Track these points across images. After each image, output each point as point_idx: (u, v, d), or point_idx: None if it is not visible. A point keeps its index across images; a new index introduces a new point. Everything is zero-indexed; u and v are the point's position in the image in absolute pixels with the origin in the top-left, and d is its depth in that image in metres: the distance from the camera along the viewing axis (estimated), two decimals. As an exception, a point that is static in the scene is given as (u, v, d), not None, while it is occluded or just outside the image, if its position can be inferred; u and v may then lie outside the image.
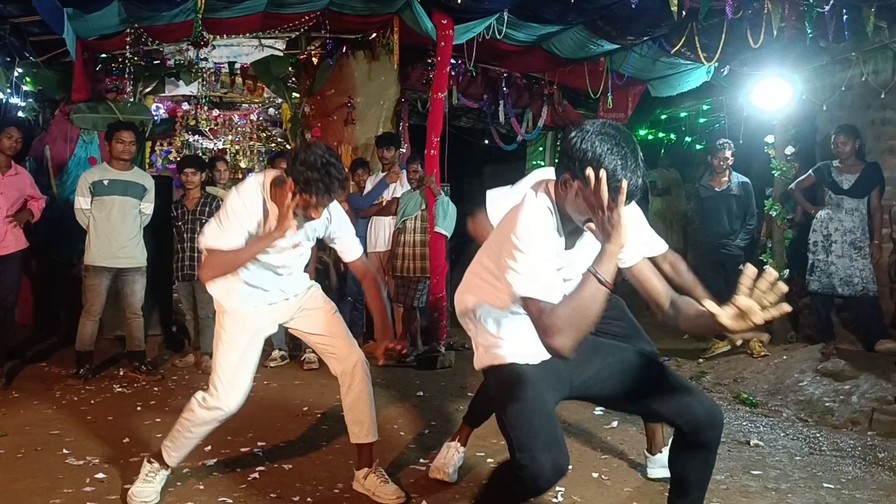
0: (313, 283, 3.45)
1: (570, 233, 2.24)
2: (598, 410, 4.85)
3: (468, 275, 2.52)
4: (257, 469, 3.64)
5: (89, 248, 5.53)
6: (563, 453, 2.18)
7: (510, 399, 2.28)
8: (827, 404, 4.80)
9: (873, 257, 5.85)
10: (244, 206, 2.99)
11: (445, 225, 6.26)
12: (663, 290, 2.36)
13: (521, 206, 2.19)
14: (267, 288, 3.22)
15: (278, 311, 3.30)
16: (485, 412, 3.53)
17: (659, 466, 3.53)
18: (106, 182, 5.52)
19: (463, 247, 9.35)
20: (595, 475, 3.64)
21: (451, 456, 3.54)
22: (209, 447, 3.89)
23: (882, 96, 5.89)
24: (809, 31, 5.28)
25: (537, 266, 2.08)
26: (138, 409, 4.77)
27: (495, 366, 2.41)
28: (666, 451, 3.49)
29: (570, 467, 2.25)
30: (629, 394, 2.44)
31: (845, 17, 5.20)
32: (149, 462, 3.31)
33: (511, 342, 2.39)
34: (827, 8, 4.86)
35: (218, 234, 2.98)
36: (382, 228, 6.68)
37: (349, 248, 3.35)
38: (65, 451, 3.85)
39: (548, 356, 2.24)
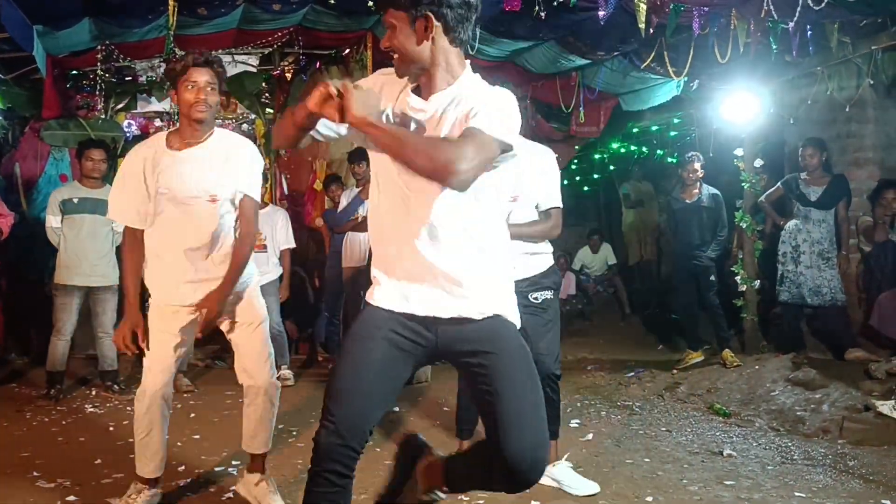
0: (249, 281, 3.29)
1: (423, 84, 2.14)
2: (574, 423, 4.89)
3: None
4: (231, 488, 3.60)
5: (59, 266, 5.47)
6: (348, 436, 2.06)
7: (343, 353, 2.19)
8: (798, 413, 4.86)
9: (841, 267, 5.96)
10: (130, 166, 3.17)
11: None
12: None
13: None
14: (178, 277, 3.13)
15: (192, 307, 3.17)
16: (473, 419, 3.58)
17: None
18: (76, 200, 5.48)
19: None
20: (570, 488, 3.65)
21: None
22: (182, 466, 3.86)
23: (847, 110, 6.02)
24: (774, 46, 5.38)
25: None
26: (111, 429, 4.72)
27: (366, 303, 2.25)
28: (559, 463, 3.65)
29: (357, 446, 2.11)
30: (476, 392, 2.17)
31: (809, 32, 5.32)
32: (134, 483, 3.28)
33: (379, 280, 2.21)
34: (791, 24, 4.94)
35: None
36: (358, 244, 6.66)
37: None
38: (35, 473, 3.79)
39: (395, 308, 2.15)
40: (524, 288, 3.39)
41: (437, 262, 2.11)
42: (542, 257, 3.57)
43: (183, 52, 3.69)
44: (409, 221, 2.11)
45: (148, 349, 3.13)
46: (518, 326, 2.23)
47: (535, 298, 3.48)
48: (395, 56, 2.09)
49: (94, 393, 5.69)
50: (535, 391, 2.14)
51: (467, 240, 2.13)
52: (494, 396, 2.09)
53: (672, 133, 9.30)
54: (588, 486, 3.59)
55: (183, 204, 3.08)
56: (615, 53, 6.53)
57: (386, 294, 2.18)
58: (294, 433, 4.58)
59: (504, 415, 2.07)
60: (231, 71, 7.63)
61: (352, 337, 2.21)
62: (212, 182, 3.09)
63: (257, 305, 3.32)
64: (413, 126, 2.11)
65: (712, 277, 6.49)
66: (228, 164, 3.12)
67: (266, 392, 3.30)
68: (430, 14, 2.02)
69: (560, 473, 3.63)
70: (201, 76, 3.02)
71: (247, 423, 3.34)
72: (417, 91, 2.15)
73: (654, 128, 9.29)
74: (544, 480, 3.50)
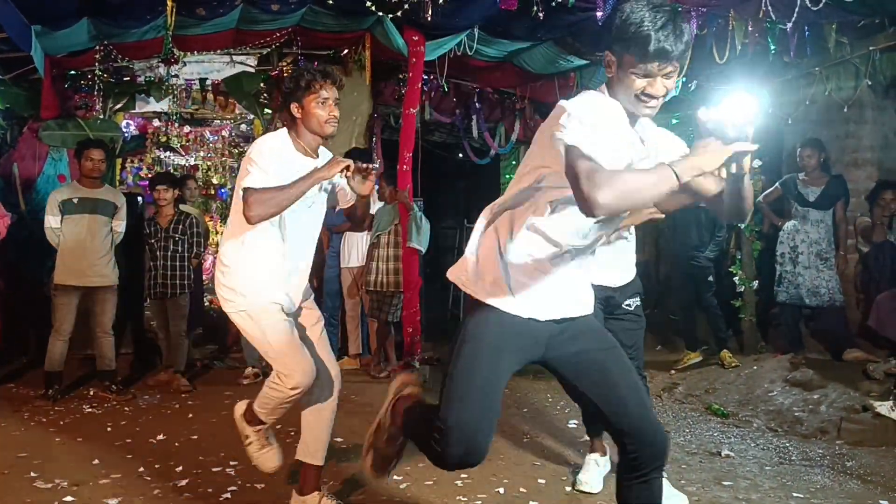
0: (310, 294, 3.33)
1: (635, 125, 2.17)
2: (572, 423, 4.89)
3: (483, 219, 2.36)
4: (229, 489, 3.60)
5: (59, 266, 5.47)
6: (479, 443, 2.14)
7: (468, 354, 2.21)
8: (796, 414, 4.86)
9: (839, 268, 5.97)
10: (272, 150, 2.98)
11: (418, 240, 6.27)
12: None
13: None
14: (283, 272, 3.08)
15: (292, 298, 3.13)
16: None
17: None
18: (75, 200, 5.47)
19: (437, 261, 9.36)
20: (568, 489, 3.66)
21: (592, 469, 3.62)
22: (180, 467, 3.86)
23: (845, 110, 6.02)
24: (772, 47, 5.38)
25: (592, 128, 1.94)
26: (109, 429, 4.71)
27: (483, 304, 2.25)
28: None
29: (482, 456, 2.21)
30: (593, 393, 2.28)
31: (807, 33, 5.32)
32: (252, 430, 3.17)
33: (517, 287, 2.22)
34: (789, 25, 4.95)
35: (256, 176, 2.89)
36: (356, 244, 6.68)
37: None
38: (33, 473, 3.78)
39: (537, 316, 2.23)
40: (620, 295, 3.54)
41: (582, 271, 2.31)
42: (634, 263, 3.69)
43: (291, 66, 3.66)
44: (583, 240, 2.23)
45: None
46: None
47: (629, 305, 3.61)
48: (659, 101, 2.10)
49: (92, 393, 5.68)
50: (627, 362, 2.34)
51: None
52: (610, 383, 2.25)
53: (670, 133, 9.30)
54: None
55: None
56: (613, 54, 6.53)
57: (526, 302, 2.23)
58: (292, 433, 4.57)
59: (621, 396, 2.23)
60: (229, 71, 7.64)
61: (483, 343, 2.22)
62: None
63: (316, 307, 3.35)
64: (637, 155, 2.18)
65: (710, 278, 6.48)
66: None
67: (337, 390, 3.23)
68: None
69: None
70: (331, 92, 3.01)
71: (316, 429, 3.21)
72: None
73: (653, 128, 9.29)
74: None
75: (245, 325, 3.06)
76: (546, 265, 2.22)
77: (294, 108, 3.03)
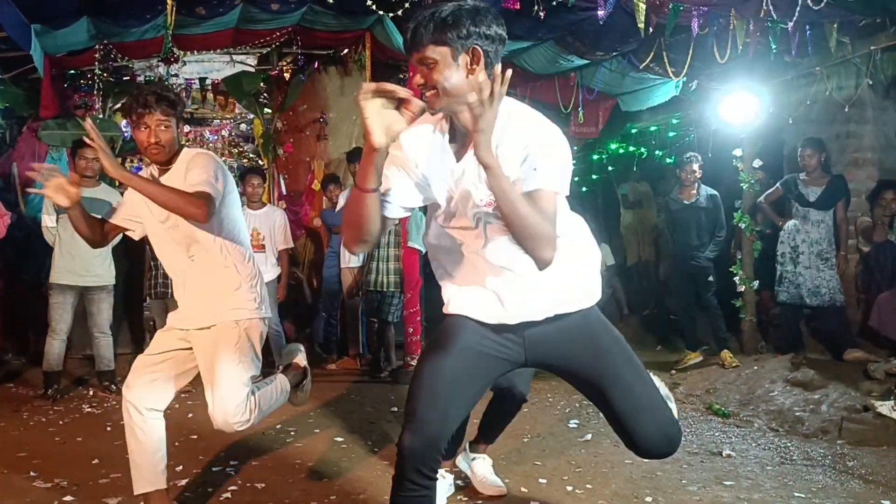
0: (232, 320, 3.04)
1: (461, 140, 2.11)
2: (573, 423, 4.88)
3: None
4: (230, 488, 3.59)
5: (54, 265, 5.47)
6: (429, 440, 2.07)
7: (424, 359, 2.22)
8: (797, 414, 4.85)
9: (839, 268, 5.96)
10: None
11: (419, 240, 6.26)
12: None
13: None
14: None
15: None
16: (497, 426, 3.54)
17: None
18: (71, 199, 5.46)
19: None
20: (570, 488, 3.64)
21: (486, 470, 3.55)
22: (181, 467, 3.85)
23: (846, 110, 6.01)
24: (773, 46, 5.38)
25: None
26: (108, 429, 4.70)
27: (446, 315, 2.28)
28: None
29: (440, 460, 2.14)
30: (596, 391, 2.27)
31: (808, 32, 5.32)
32: None
33: (458, 292, 2.25)
34: (790, 24, 4.95)
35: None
36: (356, 244, 6.66)
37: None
38: (32, 473, 3.77)
39: (483, 319, 2.18)
40: None
41: (518, 270, 2.13)
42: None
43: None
44: (487, 244, 2.13)
45: None
46: (596, 301, 2.32)
47: None
48: (431, 92, 2.02)
49: (91, 393, 5.67)
50: (636, 371, 2.24)
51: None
52: (604, 394, 2.19)
53: (671, 134, 9.29)
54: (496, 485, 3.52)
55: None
56: (614, 53, 6.53)
57: (470, 305, 2.21)
58: (292, 433, 4.57)
59: (620, 412, 2.19)
60: (229, 71, 7.64)
61: (434, 343, 2.26)
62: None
63: (236, 342, 3.03)
64: (456, 178, 2.10)
65: (710, 278, 6.48)
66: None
67: (228, 416, 2.98)
68: (478, 48, 1.98)
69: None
70: (153, 119, 2.85)
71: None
72: (451, 136, 2.13)
73: (653, 128, 9.28)
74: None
75: None
76: (457, 272, 2.22)
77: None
